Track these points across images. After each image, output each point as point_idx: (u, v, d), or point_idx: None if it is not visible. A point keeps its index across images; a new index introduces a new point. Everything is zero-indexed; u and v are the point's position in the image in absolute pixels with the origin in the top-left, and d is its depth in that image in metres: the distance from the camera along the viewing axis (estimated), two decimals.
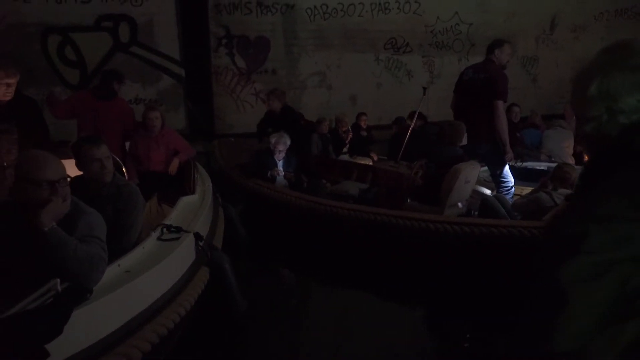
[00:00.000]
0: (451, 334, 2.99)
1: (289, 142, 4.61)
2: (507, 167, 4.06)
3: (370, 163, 6.15)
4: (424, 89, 5.09)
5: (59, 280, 1.81)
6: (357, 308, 3.36)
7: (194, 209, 3.33)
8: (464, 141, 4.12)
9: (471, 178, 3.75)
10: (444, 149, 3.92)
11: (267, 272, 4.00)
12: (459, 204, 3.70)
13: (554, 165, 5.37)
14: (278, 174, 4.67)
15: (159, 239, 2.71)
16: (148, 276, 2.23)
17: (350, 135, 7.03)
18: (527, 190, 4.05)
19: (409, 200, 3.90)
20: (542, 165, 5.45)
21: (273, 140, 4.62)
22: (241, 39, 8.56)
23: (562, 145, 6.29)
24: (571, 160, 5.83)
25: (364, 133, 7.36)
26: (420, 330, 3.16)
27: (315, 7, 8.79)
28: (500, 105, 4.04)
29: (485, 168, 4.37)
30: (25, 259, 1.93)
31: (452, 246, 3.23)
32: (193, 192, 3.73)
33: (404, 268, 3.45)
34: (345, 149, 7.00)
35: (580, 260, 0.74)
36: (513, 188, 4.03)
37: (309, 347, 3.01)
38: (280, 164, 4.73)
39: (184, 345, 2.67)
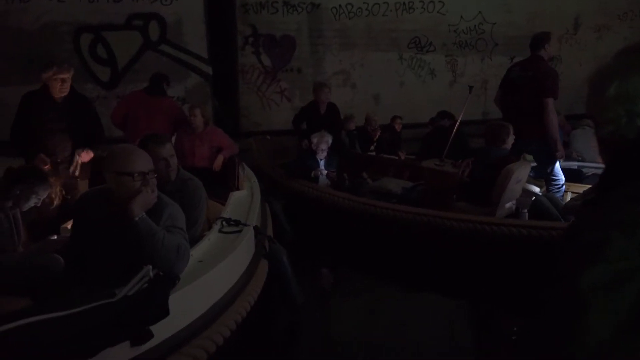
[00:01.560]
0: (501, 331, 3.05)
1: (330, 141, 4.69)
2: (557, 165, 4.07)
3: None
4: (470, 87, 5.10)
5: (151, 266, 1.92)
6: (404, 308, 3.42)
7: (246, 203, 3.44)
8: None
9: (522, 177, 3.79)
10: (491, 150, 3.94)
11: (308, 271, 4.07)
12: (510, 204, 3.75)
13: (586, 164, 5.42)
14: (321, 174, 4.73)
15: (220, 231, 2.82)
16: (221, 267, 2.33)
17: (378, 134, 7.11)
18: (584, 188, 4.06)
19: (455, 200, 3.95)
20: (573, 165, 5.49)
21: (315, 140, 4.69)
22: (267, 38, 8.67)
23: (591, 145, 6.31)
24: (600, 161, 5.85)
25: (398, 131, 7.44)
26: (467, 328, 3.21)
27: (340, 6, 8.87)
28: (551, 103, 4.05)
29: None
30: (117, 247, 2.05)
31: (509, 248, 3.23)
32: (237, 188, 3.84)
33: (454, 269, 3.49)
34: (372, 147, 7.09)
35: (600, 268, 0.70)
36: (564, 186, 4.07)
37: (359, 343, 3.06)
38: (322, 163, 4.80)
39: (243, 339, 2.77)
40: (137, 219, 2.02)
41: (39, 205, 3.10)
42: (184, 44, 8.27)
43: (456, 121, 6.70)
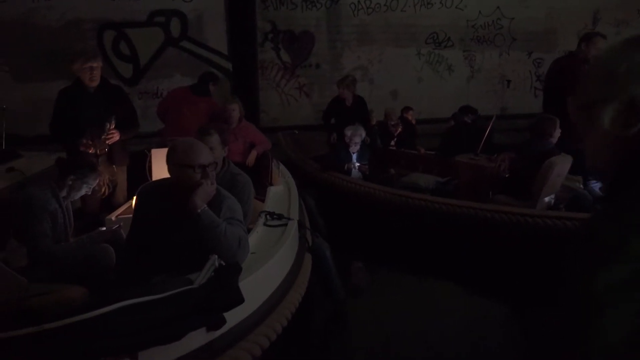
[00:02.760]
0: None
1: (364, 134, 4.75)
2: None
3: None
4: (508, 81, 5.12)
5: (216, 256, 2.00)
6: (442, 302, 3.43)
7: (285, 198, 3.51)
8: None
9: (563, 172, 3.81)
10: (536, 143, 3.92)
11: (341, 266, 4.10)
12: (549, 198, 3.79)
13: None
14: (354, 167, 4.79)
15: (265, 224, 2.90)
16: (275, 260, 2.40)
17: (399, 129, 7.15)
18: None
19: (491, 194, 3.95)
20: None
21: (349, 133, 4.73)
22: (286, 34, 8.73)
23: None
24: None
25: (412, 123, 7.47)
26: (506, 322, 3.23)
27: (359, 2, 8.91)
28: None
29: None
30: (180, 239, 2.13)
31: (548, 240, 3.23)
32: (271, 184, 3.91)
33: (492, 262, 3.50)
34: (392, 142, 7.13)
35: (616, 269, 0.69)
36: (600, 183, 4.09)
37: (399, 337, 3.08)
38: (354, 156, 4.85)
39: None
40: (199, 211, 2.10)
41: (89, 193, 3.19)
42: (204, 41, 8.36)
43: (478, 116, 6.76)
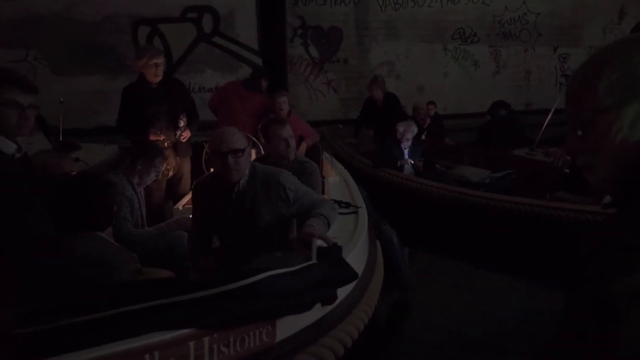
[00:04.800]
0: None
1: (416, 130, 4.83)
2: None
3: None
4: (564, 76, 5.13)
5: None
6: (500, 296, 3.46)
7: (343, 188, 3.63)
8: None
9: None
10: None
11: None
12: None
13: None
14: (408, 164, 4.84)
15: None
16: (358, 247, 2.51)
17: (428, 122, 7.26)
18: None
19: (550, 190, 3.88)
20: None
21: (401, 129, 4.79)
22: (315, 30, 8.83)
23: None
24: None
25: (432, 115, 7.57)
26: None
27: None
28: None
29: None
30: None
31: None
32: (322, 176, 4.02)
33: (555, 259, 3.54)
34: (422, 136, 7.24)
35: (637, 276, 0.65)
36: None
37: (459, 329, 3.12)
38: (406, 152, 4.92)
39: None
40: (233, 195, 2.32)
41: (159, 177, 3.32)
42: (235, 36, 8.48)
43: (512, 110, 6.84)
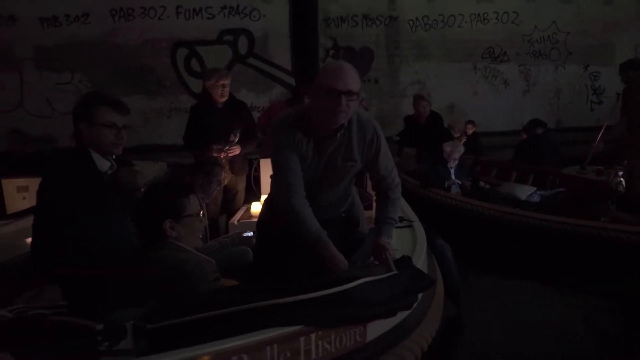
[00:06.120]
0: None
1: (463, 150, 4.88)
2: None
3: None
4: (618, 95, 5.15)
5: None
6: (559, 317, 3.45)
7: None
8: None
9: None
10: None
11: None
12: None
13: None
14: (455, 184, 4.87)
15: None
16: (422, 260, 2.56)
17: (463, 140, 7.32)
18: None
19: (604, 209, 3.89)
20: None
21: (448, 149, 4.84)
22: (347, 50, 9.03)
23: None
24: None
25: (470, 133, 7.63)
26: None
27: (417, 18, 9.17)
28: None
29: None
30: None
31: None
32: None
33: (612, 280, 3.49)
34: None
35: None
36: None
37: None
38: (452, 172, 4.96)
39: None
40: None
41: (221, 185, 3.43)
42: (269, 57, 8.73)
43: (548, 129, 6.86)
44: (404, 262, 2.13)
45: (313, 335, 1.44)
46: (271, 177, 2.36)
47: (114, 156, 2.29)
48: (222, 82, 3.91)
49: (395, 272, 1.87)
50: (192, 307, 1.40)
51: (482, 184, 5.09)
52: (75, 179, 2.06)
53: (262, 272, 2.50)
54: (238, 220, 3.75)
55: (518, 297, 3.75)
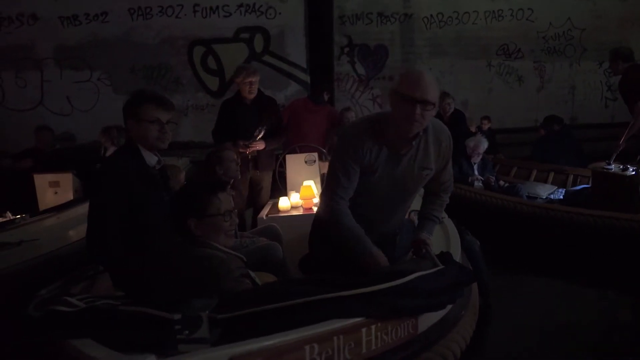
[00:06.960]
0: None
1: (486, 146, 4.92)
2: None
3: None
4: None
5: None
6: (587, 311, 3.51)
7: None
8: None
9: None
10: None
11: None
12: None
13: None
14: (478, 180, 4.91)
15: None
16: (456, 255, 2.61)
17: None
18: None
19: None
20: None
21: (472, 144, 4.89)
22: (362, 48, 9.07)
23: None
24: None
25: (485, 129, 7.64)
26: None
27: (431, 15, 9.18)
28: None
29: None
30: None
31: None
32: None
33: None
34: None
35: None
36: None
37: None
38: (475, 167, 5.00)
39: None
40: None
41: (239, 164, 3.46)
42: (285, 55, 8.79)
43: (565, 125, 6.87)
44: (446, 258, 2.20)
45: (373, 327, 1.51)
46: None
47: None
48: (249, 79, 4.00)
49: (441, 267, 1.93)
50: (259, 298, 1.46)
51: (502, 182, 5.11)
52: (127, 172, 2.14)
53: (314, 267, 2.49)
54: (266, 215, 3.82)
55: (549, 293, 3.79)
